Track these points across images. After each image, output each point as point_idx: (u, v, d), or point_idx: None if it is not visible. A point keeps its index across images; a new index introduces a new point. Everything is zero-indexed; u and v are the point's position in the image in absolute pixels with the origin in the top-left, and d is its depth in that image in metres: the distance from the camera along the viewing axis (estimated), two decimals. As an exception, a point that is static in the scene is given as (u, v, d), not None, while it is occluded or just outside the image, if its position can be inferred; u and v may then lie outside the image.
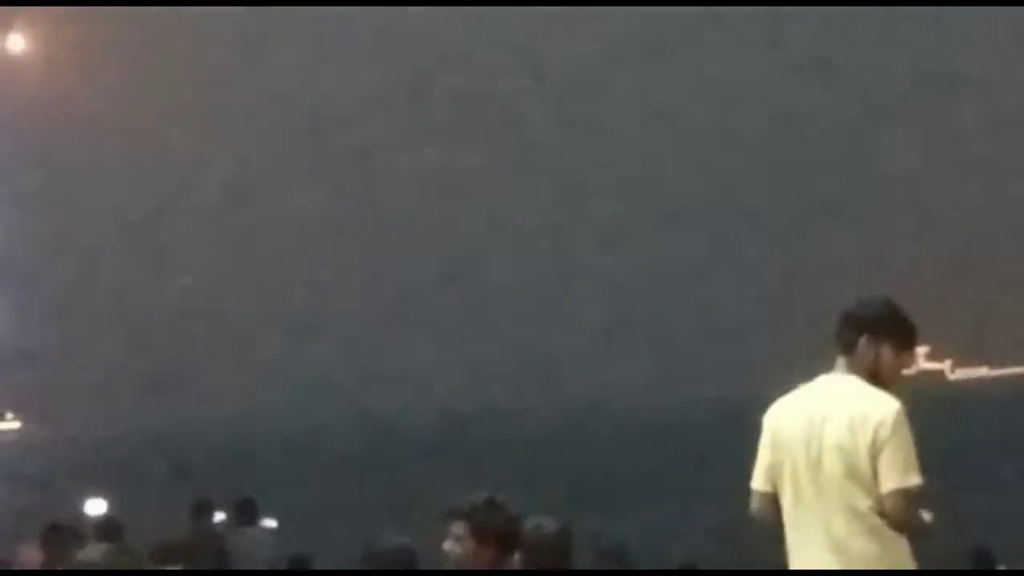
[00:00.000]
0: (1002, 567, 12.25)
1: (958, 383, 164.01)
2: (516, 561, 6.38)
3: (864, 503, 5.90)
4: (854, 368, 6.12)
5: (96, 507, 18.08)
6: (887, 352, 6.16)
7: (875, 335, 6.14)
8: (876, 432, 5.89)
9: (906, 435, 5.92)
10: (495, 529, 6.23)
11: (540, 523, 6.97)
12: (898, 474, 5.87)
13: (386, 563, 6.54)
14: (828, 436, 5.96)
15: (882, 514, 5.89)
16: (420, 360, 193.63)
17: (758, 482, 6.19)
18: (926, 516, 6.00)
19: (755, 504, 6.20)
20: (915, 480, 5.89)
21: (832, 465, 5.93)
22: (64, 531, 11.35)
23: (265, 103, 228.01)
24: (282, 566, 14.01)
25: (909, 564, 5.98)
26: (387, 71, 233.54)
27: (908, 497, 5.89)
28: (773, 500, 6.14)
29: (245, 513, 15.02)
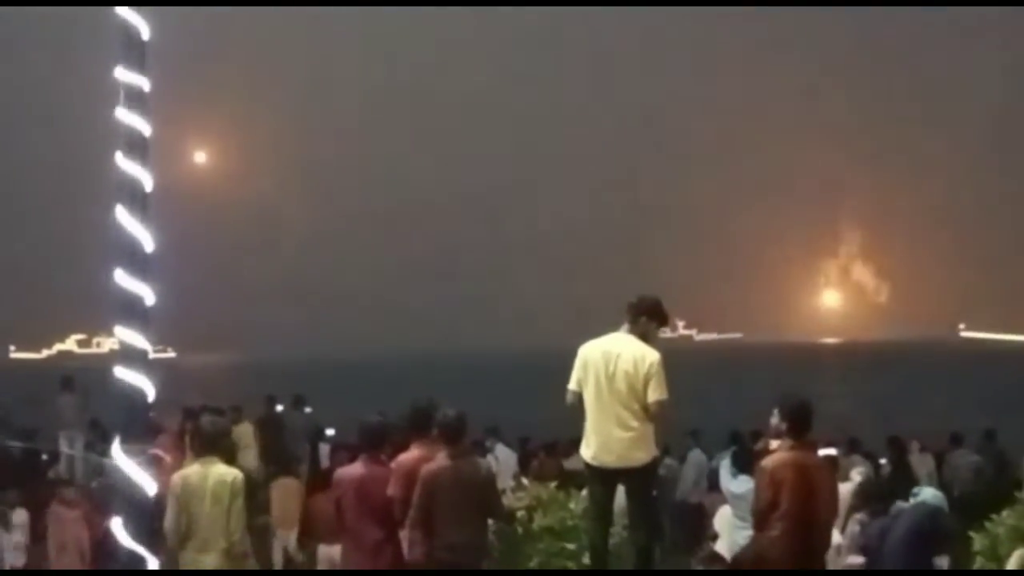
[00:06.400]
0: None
1: (703, 343, 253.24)
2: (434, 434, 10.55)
3: (637, 404, 10.26)
4: (633, 331, 10.46)
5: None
6: (652, 325, 10.54)
7: (647, 315, 10.53)
8: (649, 367, 10.25)
9: (662, 370, 10.27)
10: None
11: (447, 410, 10.65)
12: (658, 392, 10.24)
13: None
14: (620, 365, 10.28)
15: (645, 410, 10.26)
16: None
17: (572, 385, 10.48)
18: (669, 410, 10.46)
19: (570, 397, 10.50)
20: (665, 395, 10.26)
21: (621, 382, 10.26)
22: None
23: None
24: (310, 435, 23.23)
25: (651, 434, 10.35)
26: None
27: (660, 403, 10.27)
28: (579, 396, 10.43)
29: (296, 403, 24.26)
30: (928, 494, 12.16)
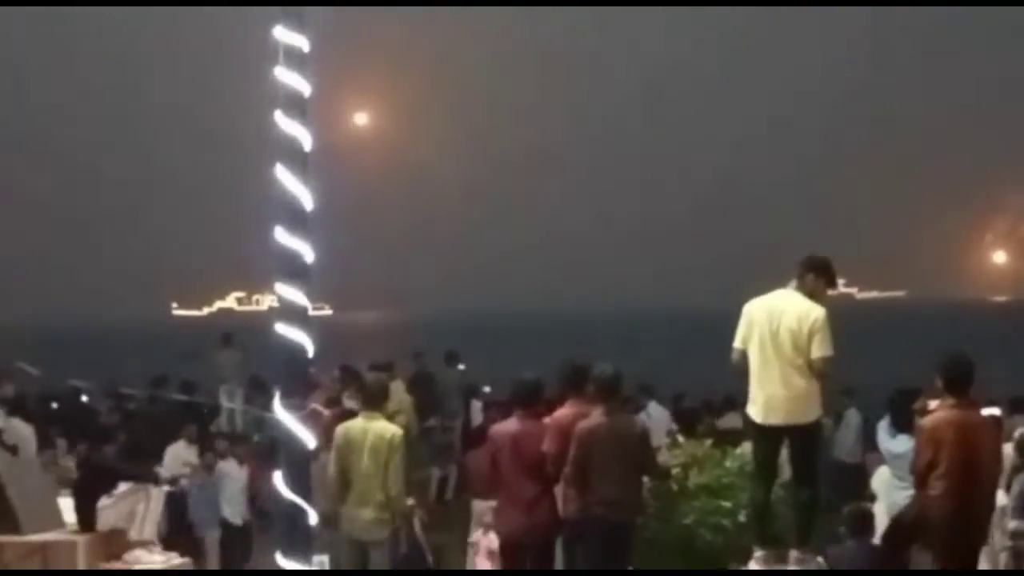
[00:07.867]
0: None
1: (864, 301, 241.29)
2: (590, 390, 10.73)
3: (801, 360, 10.12)
4: (800, 289, 10.31)
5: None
6: (820, 284, 10.37)
7: (815, 274, 10.37)
8: (813, 324, 10.10)
9: (827, 327, 10.12)
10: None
11: (603, 367, 10.81)
12: (822, 348, 10.10)
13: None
14: (785, 321, 10.14)
15: (810, 367, 10.12)
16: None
17: (738, 343, 10.38)
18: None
19: (735, 356, 10.40)
20: (830, 352, 10.14)
21: (786, 338, 10.13)
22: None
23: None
24: (464, 392, 23.00)
25: (817, 392, 10.25)
26: None
27: (825, 360, 10.13)
28: (744, 354, 10.33)
29: (450, 359, 23.62)
30: None
